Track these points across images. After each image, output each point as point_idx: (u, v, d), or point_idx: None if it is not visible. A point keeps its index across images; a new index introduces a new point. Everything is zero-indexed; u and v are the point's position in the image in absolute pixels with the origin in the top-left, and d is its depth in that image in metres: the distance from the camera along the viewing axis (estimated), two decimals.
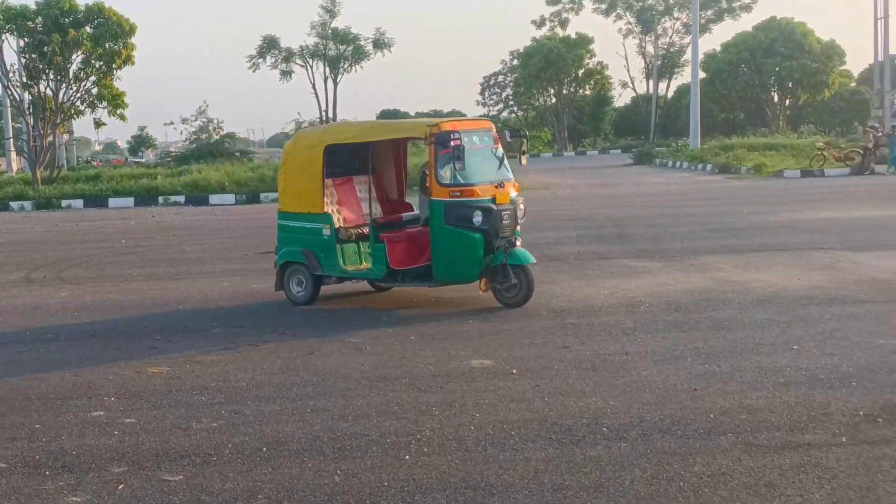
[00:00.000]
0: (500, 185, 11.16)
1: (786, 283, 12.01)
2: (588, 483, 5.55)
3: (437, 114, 77.05)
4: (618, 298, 11.34)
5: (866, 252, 14.44)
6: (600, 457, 5.97)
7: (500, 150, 11.59)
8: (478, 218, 10.83)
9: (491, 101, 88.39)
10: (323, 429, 6.76)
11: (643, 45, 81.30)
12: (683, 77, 77.51)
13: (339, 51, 59.18)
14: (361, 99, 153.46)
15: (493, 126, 11.98)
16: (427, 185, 11.41)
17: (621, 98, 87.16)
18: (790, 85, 65.69)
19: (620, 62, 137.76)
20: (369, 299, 12.01)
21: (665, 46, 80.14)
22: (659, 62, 78.70)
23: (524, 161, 12.44)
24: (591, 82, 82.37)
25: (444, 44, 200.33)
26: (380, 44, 59.69)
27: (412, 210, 12.58)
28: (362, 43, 59.33)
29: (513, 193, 11.30)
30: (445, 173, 10.89)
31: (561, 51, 76.36)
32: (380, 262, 11.38)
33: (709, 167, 41.64)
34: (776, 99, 67.79)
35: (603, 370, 8.13)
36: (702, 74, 60.88)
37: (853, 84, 70.35)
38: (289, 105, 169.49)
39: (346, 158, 12.15)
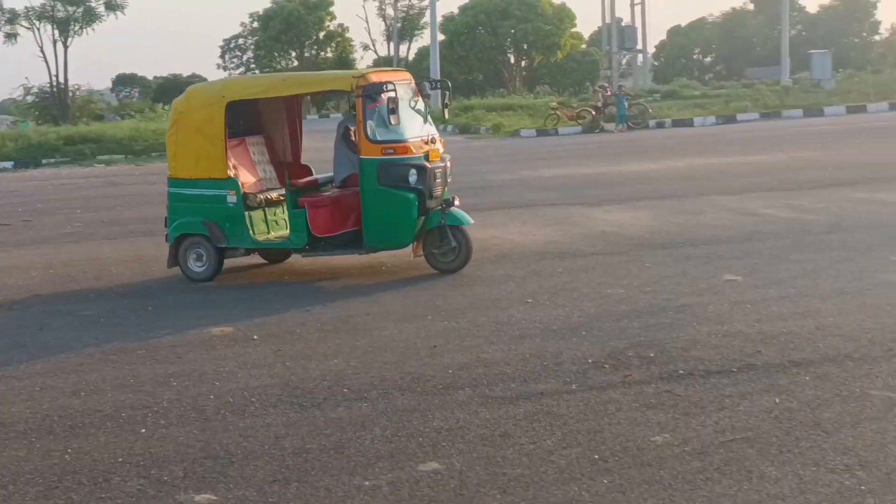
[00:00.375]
0: (431, 140, 10.60)
1: (522, 239, 12.40)
2: (329, 445, 5.55)
3: (176, 78, 74.69)
4: (359, 259, 11.34)
5: (596, 206, 15.08)
6: (341, 418, 5.99)
7: (422, 104, 10.98)
8: (413, 177, 10.08)
9: (232, 65, 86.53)
10: (53, 407, 6.47)
11: (383, 7, 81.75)
12: (423, 39, 78.44)
13: (68, 12, 56.37)
14: (94, 62, 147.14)
15: (412, 78, 11.28)
16: (353, 140, 10.51)
17: (363, 60, 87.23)
18: (525, 47, 67.80)
19: (361, 25, 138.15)
20: (104, 270, 11.51)
21: (405, 9, 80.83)
22: (399, 25, 79.34)
23: (447, 114, 11.96)
24: (333, 45, 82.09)
25: (181, 6, 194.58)
26: (112, 5, 57.23)
27: (311, 173, 11.61)
28: (93, 4, 56.79)
29: (441, 149, 10.77)
30: (371, 129, 10.03)
31: (301, 13, 75.60)
32: (299, 229, 10.44)
33: (450, 128, 42.37)
34: (513, 60, 69.84)
35: (345, 332, 8.15)
36: (441, 37, 61.82)
37: (584, 46, 73.14)
38: (16, 70, 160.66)
39: (233, 117, 11.01)
